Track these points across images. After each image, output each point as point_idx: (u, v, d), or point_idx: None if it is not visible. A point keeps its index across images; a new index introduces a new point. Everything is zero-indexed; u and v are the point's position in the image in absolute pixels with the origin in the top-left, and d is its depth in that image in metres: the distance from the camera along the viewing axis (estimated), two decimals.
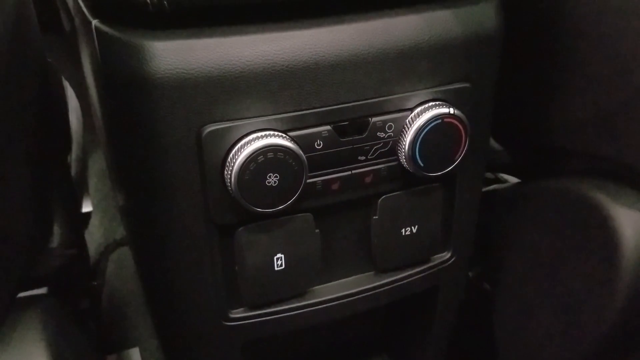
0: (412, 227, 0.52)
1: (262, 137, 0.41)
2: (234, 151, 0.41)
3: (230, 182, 0.41)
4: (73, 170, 0.74)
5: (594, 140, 0.53)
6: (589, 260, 0.54)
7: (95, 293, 0.92)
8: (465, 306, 0.66)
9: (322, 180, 0.45)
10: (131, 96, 0.40)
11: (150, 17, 0.38)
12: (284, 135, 0.42)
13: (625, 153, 0.51)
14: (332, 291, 0.52)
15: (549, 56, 0.55)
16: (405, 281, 0.54)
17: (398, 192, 0.50)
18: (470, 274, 0.72)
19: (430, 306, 0.62)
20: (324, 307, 0.51)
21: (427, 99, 0.46)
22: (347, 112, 0.44)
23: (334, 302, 0.52)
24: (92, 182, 1.15)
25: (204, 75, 0.39)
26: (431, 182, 0.51)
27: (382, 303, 0.55)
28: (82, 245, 0.69)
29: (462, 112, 0.46)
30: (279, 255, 0.47)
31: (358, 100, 0.44)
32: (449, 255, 0.56)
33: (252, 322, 0.50)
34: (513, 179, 0.80)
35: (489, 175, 0.82)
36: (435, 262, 0.56)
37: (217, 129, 0.40)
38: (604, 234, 0.51)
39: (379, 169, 0.47)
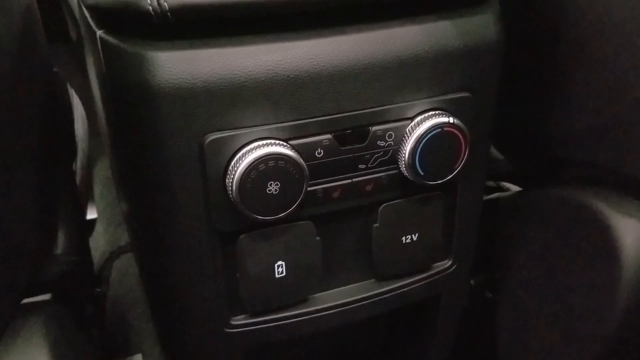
0: (413, 235, 0.52)
1: (263, 145, 0.41)
2: (235, 159, 0.41)
3: (231, 190, 0.41)
4: (78, 178, 0.75)
5: (594, 150, 0.54)
6: (590, 269, 0.54)
7: (99, 300, 0.92)
8: (468, 314, 0.66)
9: (323, 189, 0.46)
10: (135, 105, 0.40)
11: (153, 27, 0.39)
12: (285, 144, 0.42)
13: (625, 162, 0.51)
14: (333, 299, 0.52)
15: (550, 66, 0.55)
16: (406, 289, 0.54)
17: (399, 200, 0.50)
18: (472, 282, 0.72)
19: (432, 314, 0.62)
20: (325, 315, 0.51)
21: (427, 108, 0.46)
22: (348, 121, 0.44)
23: (334, 309, 0.52)
24: (98, 189, 1.16)
25: (206, 84, 0.39)
26: (431, 191, 0.51)
27: (383, 311, 0.55)
28: (86, 252, 0.69)
29: (462, 121, 0.46)
30: (280, 262, 0.48)
31: (358, 110, 0.44)
32: (450, 263, 0.57)
33: (253, 329, 0.50)
34: (515, 188, 0.80)
35: (491, 183, 0.83)
36: (437, 270, 0.56)
37: (219, 138, 0.41)
38: (605, 242, 0.51)
39: (380, 177, 0.47)
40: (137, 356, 0.84)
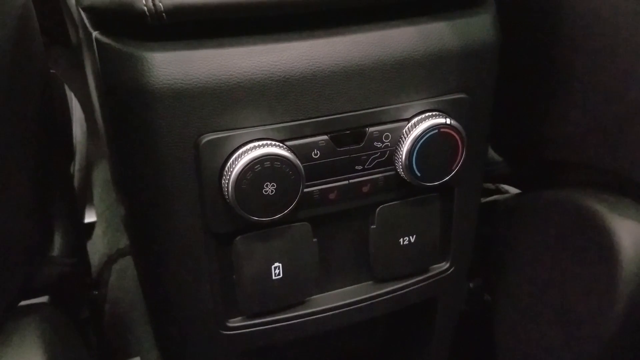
0: (410, 237, 0.52)
1: (259, 146, 0.41)
2: (231, 160, 0.41)
3: (227, 191, 0.41)
4: (76, 180, 0.75)
5: (592, 152, 0.53)
6: (588, 271, 0.53)
7: (97, 303, 0.92)
8: (466, 317, 0.66)
9: (320, 190, 0.46)
10: (130, 106, 0.40)
11: (148, 29, 0.39)
12: (281, 144, 0.42)
13: (623, 165, 0.51)
14: (330, 301, 0.52)
15: (548, 68, 0.55)
16: (403, 291, 0.54)
17: (396, 202, 0.50)
18: (470, 284, 0.72)
19: (430, 317, 0.62)
20: (321, 317, 0.51)
21: (423, 109, 0.46)
22: (344, 122, 0.44)
23: (331, 311, 0.52)
24: (97, 192, 1.16)
25: (201, 85, 0.39)
26: (428, 192, 0.51)
27: (380, 313, 0.54)
28: (83, 254, 0.69)
29: (459, 122, 0.46)
30: (276, 264, 0.48)
31: (355, 111, 0.44)
32: (447, 265, 0.56)
33: (250, 331, 0.50)
34: (513, 190, 0.80)
35: (489, 186, 0.83)
36: (434, 272, 0.56)
37: (215, 139, 0.41)
38: (603, 244, 0.51)
39: (376, 178, 0.47)
40: (136, 359, 0.84)
